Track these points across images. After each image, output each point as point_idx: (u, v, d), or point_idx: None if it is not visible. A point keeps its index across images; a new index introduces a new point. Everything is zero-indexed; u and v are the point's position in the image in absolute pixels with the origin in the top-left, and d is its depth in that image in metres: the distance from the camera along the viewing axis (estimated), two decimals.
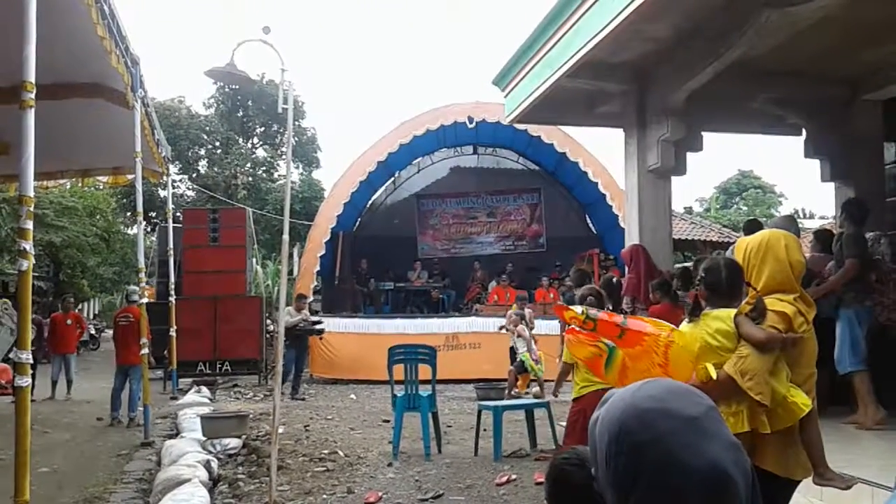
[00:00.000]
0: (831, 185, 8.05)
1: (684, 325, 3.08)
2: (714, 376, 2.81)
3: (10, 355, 7.19)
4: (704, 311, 3.04)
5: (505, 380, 11.68)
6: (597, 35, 5.65)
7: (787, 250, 2.94)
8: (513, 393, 11.37)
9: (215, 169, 28.40)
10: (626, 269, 7.58)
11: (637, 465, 0.98)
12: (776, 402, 2.82)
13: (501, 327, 12.35)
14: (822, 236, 7.10)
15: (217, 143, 29.25)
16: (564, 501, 1.22)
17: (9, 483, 4.05)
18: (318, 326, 13.75)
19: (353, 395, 12.69)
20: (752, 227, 7.48)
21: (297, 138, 29.30)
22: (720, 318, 2.94)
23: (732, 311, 2.93)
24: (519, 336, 11.64)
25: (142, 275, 9.19)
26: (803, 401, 2.83)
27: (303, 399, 12.12)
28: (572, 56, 6.17)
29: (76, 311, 14.31)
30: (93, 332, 26.84)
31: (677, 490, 0.95)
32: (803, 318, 2.89)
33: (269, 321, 15.78)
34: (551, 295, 16.05)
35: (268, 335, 15.07)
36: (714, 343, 2.91)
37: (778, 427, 2.83)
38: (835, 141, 7.70)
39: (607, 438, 1.02)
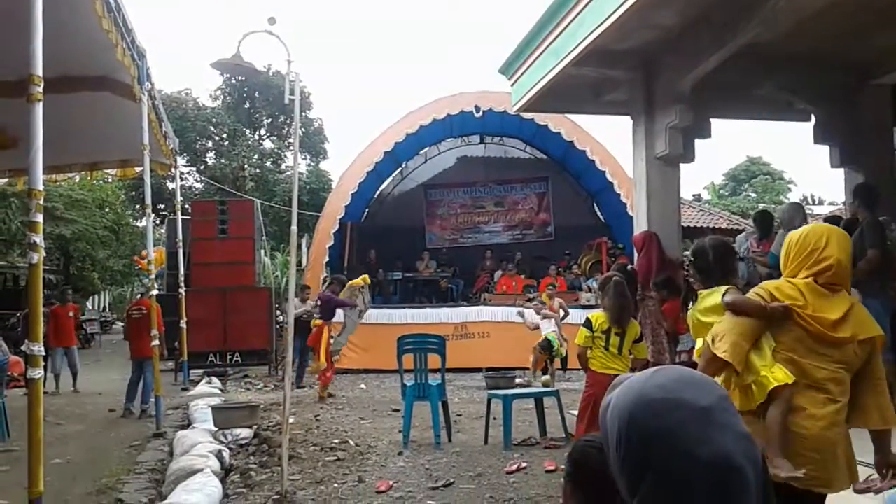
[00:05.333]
0: (841, 171, 8.01)
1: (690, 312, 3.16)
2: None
3: (23, 348, 7.22)
4: (700, 293, 3.14)
5: (514, 368, 11.70)
6: (603, 23, 5.62)
7: (825, 244, 2.72)
8: (536, 373, 11.51)
9: (223, 161, 28.42)
10: (637, 254, 7.53)
11: (646, 455, 0.98)
12: (752, 373, 2.67)
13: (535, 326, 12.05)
14: (832, 223, 7.11)
15: (224, 135, 29.26)
16: (581, 482, 1.22)
17: (23, 474, 4.09)
18: None
19: (362, 385, 12.73)
20: (763, 217, 7.47)
21: (304, 129, 29.29)
22: (711, 296, 3.05)
23: (724, 288, 3.01)
24: (545, 318, 11.68)
25: (151, 266, 9.22)
26: (779, 376, 2.62)
27: (302, 387, 12.29)
28: (578, 44, 6.14)
29: (73, 303, 14.25)
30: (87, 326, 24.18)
31: (686, 480, 0.95)
32: (795, 296, 2.69)
33: (278, 312, 15.84)
34: (559, 283, 16.03)
35: (277, 326, 15.13)
36: (705, 319, 3.02)
37: (748, 406, 2.65)
38: (844, 126, 7.65)
39: (617, 426, 1.02)
